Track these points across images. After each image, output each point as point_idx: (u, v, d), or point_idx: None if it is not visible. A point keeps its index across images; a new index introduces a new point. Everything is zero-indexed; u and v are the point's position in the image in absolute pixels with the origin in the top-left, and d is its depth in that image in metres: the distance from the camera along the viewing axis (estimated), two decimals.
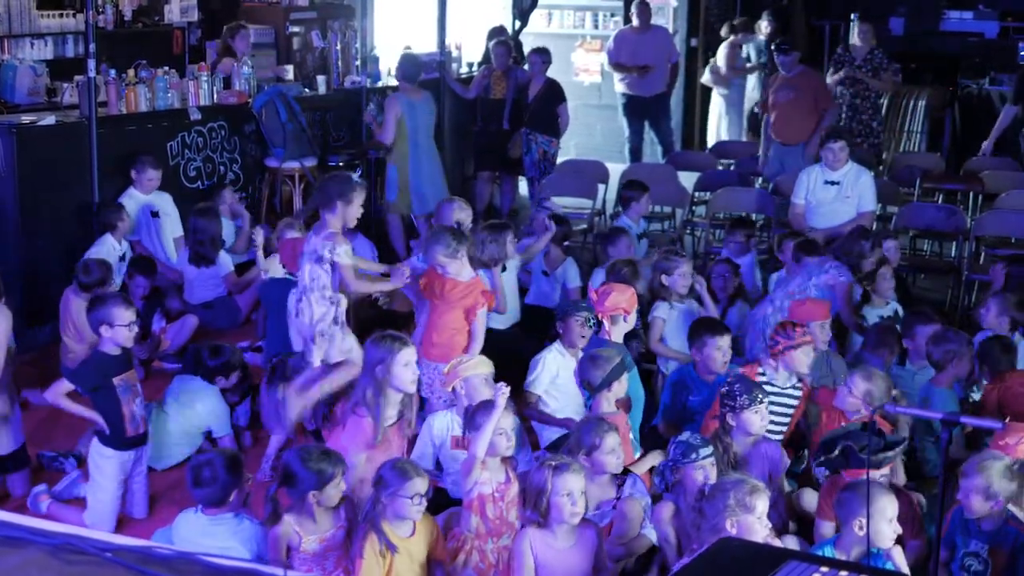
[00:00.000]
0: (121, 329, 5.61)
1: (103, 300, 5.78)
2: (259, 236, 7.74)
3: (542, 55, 11.09)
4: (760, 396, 5.34)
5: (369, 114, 9.99)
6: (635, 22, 12.50)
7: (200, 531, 4.81)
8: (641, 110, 12.54)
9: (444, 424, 5.59)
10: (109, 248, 7.90)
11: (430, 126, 9.81)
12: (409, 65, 9.76)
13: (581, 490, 4.62)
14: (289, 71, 10.65)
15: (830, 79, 11.65)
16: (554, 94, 10.99)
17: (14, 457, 5.92)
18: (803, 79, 10.25)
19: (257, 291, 8.31)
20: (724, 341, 6.07)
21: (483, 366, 5.49)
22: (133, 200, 8.47)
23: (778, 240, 8.22)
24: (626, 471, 5.28)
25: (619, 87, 12.65)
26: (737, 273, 7.51)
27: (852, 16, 14.32)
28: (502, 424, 4.88)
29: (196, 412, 6.32)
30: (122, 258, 8.00)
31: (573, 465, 4.67)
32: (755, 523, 4.39)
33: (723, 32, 13.78)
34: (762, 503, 4.42)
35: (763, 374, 5.86)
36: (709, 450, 5.04)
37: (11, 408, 5.87)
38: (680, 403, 6.14)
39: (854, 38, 11.92)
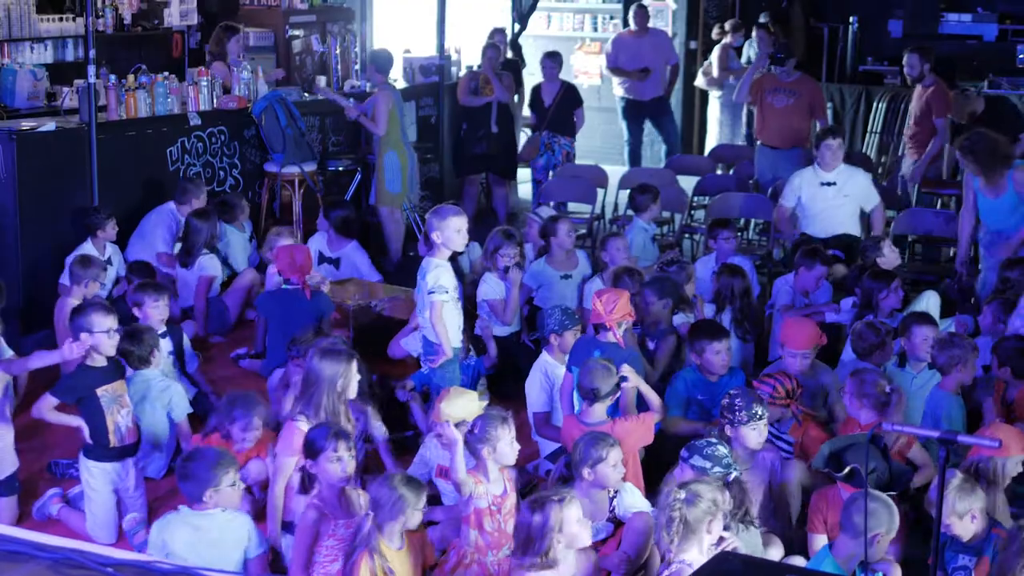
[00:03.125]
0: (100, 336, 5.55)
1: (83, 307, 5.76)
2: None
3: (552, 59, 11.17)
4: (760, 412, 5.34)
5: (355, 108, 9.90)
6: (633, 26, 12.57)
7: (189, 525, 4.82)
8: (640, 113, 12.58)
9: (437, 452, 5.60)
10: (86, 253, 7.87)
11: (410, 119, 10.06)
12: (385, 60, 9.90)
13: (582, 514, 4.66)
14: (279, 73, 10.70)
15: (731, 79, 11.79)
16: (572, 97, 11.15)
17: (7, 482, 5.79)
18: (801, 84, 10.25)
19: (241, 295, 8.32)
20: (723, 345, 6.11)
21: (466, 408, 5.39)
22: (168, 219, 8.50)
23: (793, 246, 8.17)
24: None
25: (618, 91, 12.67)
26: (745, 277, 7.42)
27: (851, 19, 14.35)
28: (508, 436, 4.96)
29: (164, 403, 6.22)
30: (107, 263, 7.98)
31: (570, 493, 4.67)
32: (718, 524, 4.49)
33: (715, 34, 13.79)
34: (719, 497, 4.53)
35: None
36: (722, 469, 5.03)
37: (7, 432, 5.79)
38: (684, 401, 6.15)
39: (755, 46, 11.95)
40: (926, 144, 10.18)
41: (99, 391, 5.59)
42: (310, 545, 4.79)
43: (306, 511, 4.84)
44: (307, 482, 4.98)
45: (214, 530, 4.81)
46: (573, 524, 4.53)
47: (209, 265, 8.23)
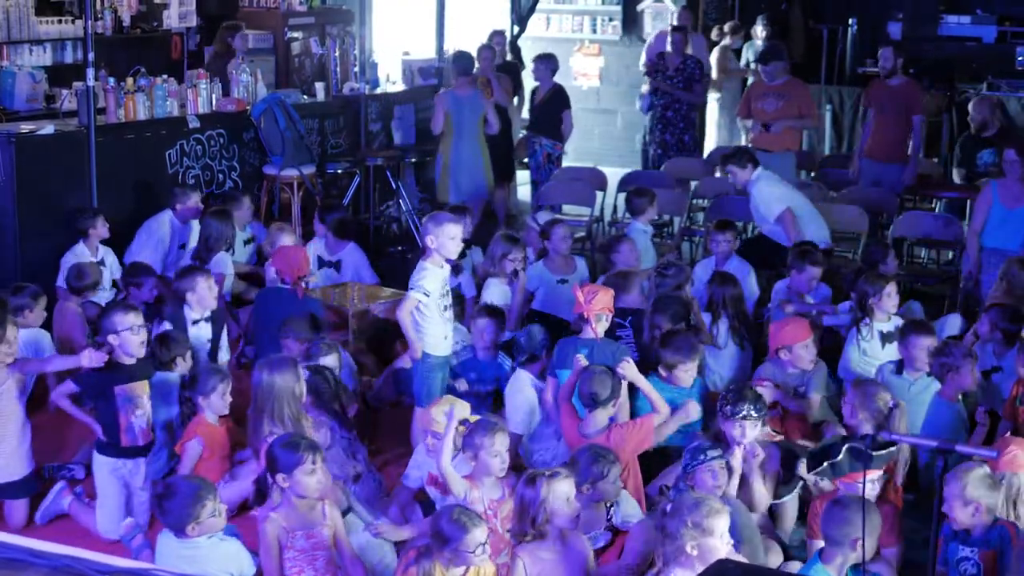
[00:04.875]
0: (126, 334, 5.59)
1: (106, 309, 5.85)
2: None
3: (545, 61, 11.14)
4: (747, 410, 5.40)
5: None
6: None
7: (175, 555, 4.74)
8: None
9: (429, 460, 5.60)
10: (79, 255, 7.88)
11: (474, 121, 10.22)
12: (462, 60, 10.26)
13: (573, 495, 4.75)
14: None
15: (643, 88, 11.60)
16: (559, 99, 11.08)
17: (23, 483, 5.82)
18: (789, 88, 10.24)
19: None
20: (695, 364, 6.18)
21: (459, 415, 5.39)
22: (167, 227, 8.48)
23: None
24: None
25: None
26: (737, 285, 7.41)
27: (850, 20, 14.36)
28: (497, 446, 4.95)
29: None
30: (100, 263, 7.97)
31: (562, 471, 4.78)
32: (717, 544, 4.39)
33: (713, 35, 13.79)
34: (723, 522, 4.43)
35: None
36: (718, 451, 5.16)
37: (25, 432, 5.81)
38: None
39: (667, 47, 11.78)
40: (895, 143, 10.16)
41: (117, 388, 5.62)
42: (275, 554, 4.74)
43: (265, 525, 4.75)
44: (262, 496, 4.90)
45: (199, 559, 4.75)
46: (559, 499, 4.64)
47: (222, 262, 8.21)
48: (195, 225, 8.49)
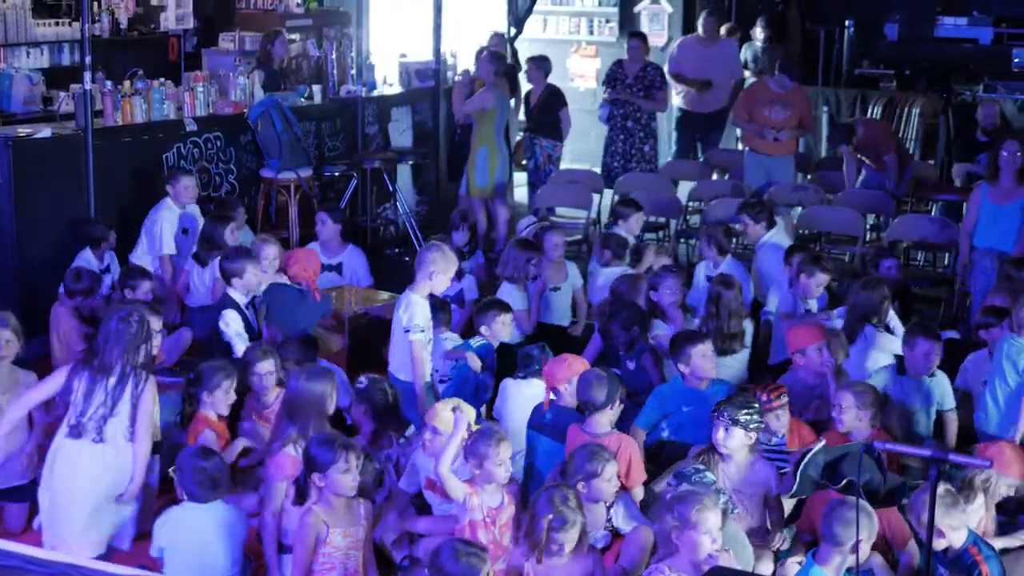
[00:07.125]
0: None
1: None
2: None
3: (538, 63, 11.14)
4: (744, 419, 5.36)
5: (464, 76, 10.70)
6: (701, 32, 11.97)
7: (202, 520, 4.95)
8: (696, 127, 12.04)
9: (427, 463, 5.62)
10: (87, 262, 7.87)
11: (506, 118, 10.53)
12: (502, 61, 10.49)
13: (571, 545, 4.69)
14: None
15: (604, 96, 11.48)
16: (555, 99, 11.06)
17: (26, 487, 5.83)
18: (793, 97, 10.23)
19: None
20: (707, 347, 6.06)
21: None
22: (171, 212, 8.40)
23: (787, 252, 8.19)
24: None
25: (675, 100, 12.09)
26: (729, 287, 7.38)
27: (847, 22, 14.37)
28: (502, 455, 4.97)
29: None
30: (106, 270, 8.00)
31: (572, 520, 4.69)
32: (702, 540, 4.44)
33: None
34: (711, 519, 4.46)
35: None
36: (704, 475, 5.06)
37: (29, 437, 5.85)
38: (659, 416, 6.11)
39: (626, 54, 11.56)
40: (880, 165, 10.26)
41: None
42: (310, 548, 4.80)
43: (308, 517, 4.83)
44: (302, 495, 4.96)
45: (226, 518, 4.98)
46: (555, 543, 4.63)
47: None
48: (195, 211, 8.50)
